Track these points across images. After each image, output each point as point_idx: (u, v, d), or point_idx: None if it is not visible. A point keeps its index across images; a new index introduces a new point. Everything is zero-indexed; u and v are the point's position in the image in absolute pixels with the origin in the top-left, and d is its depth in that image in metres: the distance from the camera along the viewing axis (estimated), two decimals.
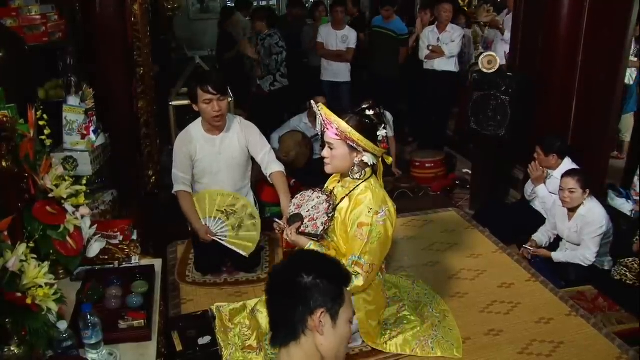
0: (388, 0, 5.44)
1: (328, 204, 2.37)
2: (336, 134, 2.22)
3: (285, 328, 1.35)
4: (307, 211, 2.43)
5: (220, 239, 3.09)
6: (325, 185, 2.57)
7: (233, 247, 3.10)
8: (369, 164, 2.31)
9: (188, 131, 3.14)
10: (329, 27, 5.65)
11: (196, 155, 3.10)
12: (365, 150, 2.24)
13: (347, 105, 5.41)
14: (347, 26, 5.64)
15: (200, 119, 3.12)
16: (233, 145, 3.13)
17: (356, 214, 2.26)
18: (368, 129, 2.22)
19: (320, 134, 2.34)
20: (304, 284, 1.33)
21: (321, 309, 1.33)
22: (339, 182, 2.45)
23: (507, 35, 5.24)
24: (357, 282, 2.23)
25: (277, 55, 5.35)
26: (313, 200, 2.44)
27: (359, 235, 2.24)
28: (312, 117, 4.60)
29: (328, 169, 2.35)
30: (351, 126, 2.19)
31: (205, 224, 3.08)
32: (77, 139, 2.88)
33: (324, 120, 2.24)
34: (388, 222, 2.26)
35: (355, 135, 2.19)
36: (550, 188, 3.54)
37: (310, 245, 2.32)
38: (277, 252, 3.46)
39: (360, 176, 2.30)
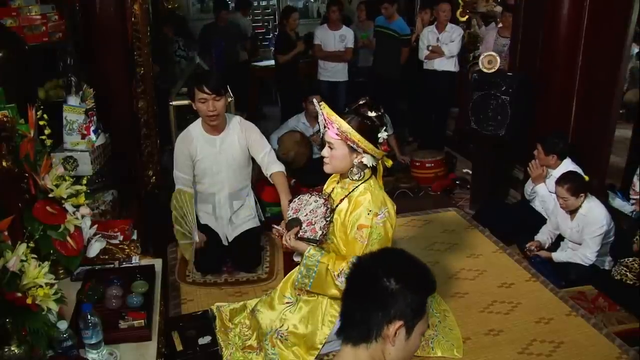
0: None
1: (326, 208, 2.36)
2: (337, 134, 2.21)
3: (359, 328, 1.29)
4: (305, 215, 2.42)
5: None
6: (325, 186, 2.57)
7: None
8: (369, 166, 2.30)
9: (188, 131, 3.15)
10: (325, 28, 5.64)
11: (196, 155, 3.11)
12: (365, 152, 2.23)
13: (345, 104, 5.43)
14: (343, 26, 5.64)
15: (200, 119, 3.13)
16: (233, 146, 3.13)
17: (355, 215, 2.25)
18: (369, 131, 2.21)
19: (320, 133, 2.33)
20: (390, 290, 1.25)
21: (400, 321, 1.25)
22: (338, 183, 2.45)
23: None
24: None
25: (174, 65, 5.34)
26: (310, 204, 2.43)
27: (359, 237, 2.23)
28: (310, 116, 4.63)
29: (327, 169, 2.35)
30: (352, 127, 2.18)
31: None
32: (77, 139, 2.88)
33: (325, 120, 2.23)
34: (388, 223, 2.26)
35: (356, 136, 2.18)
36: (550, 187, 3.54)
37: (310, 250, 2.32)
38: (277, 253, 3.46)
39: (359, 177, 2.30)
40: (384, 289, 1.26)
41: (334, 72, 5.63)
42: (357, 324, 1.29)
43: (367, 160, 2.26)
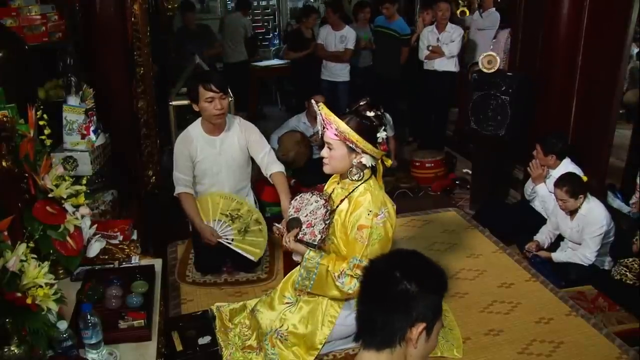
0: None
1: (325, 209, 2.35)
2: (335, 134, 2.21)
3: (382, 333, 1.27)
4: (305, 216, 2.42)
5: (227, 242, 3.10)
6: (325, 187, 2.57)
7: (241, 251, 3.12)
8: (368, 166, 2.29)
9: (188, 132, 3.15)
10: (328, 28, 5.65)
11: (197, 156, 3.10)
12: (364, 152, 2.23)
13: (346, 104, 5.43)
14: (346, 26, 5.65)
15: (199, 120, 3.12)
16: (233, 146, 3.13)
17: (356, 216, 2.25)
18: (367, 131, 2.21)
19: (320, 133, 2.33)
20: (411, 293, 1.24)
21: (423, 323, 1.25)
22: (338, 184, 2.45)
23: (483, 22, 5.29)
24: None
25: None
26: (311, 204, 2.43)
27: (359, 238, 2.23)
28: (311, 116, 4.63)
29: (326, 169, 2.35)
30: (350, 127, 2.17)
31: (210, 226, 3.09)
32: (77, 139, 2.88)
33: (323, 120, 2.23)
34: (388, 223, 2.26)
35: (354, 137, 2.18)
36: (550, 187, 3.54)
37: (309, 252, 2.32)
38: (277, 253, 3.47)
39: (359, 177, 2.29)
40: (404, 292, 1.24)
41: (334, 71, 5.64)
42: (379, 329, 1.27)
43: (366, 160, 2.25)
